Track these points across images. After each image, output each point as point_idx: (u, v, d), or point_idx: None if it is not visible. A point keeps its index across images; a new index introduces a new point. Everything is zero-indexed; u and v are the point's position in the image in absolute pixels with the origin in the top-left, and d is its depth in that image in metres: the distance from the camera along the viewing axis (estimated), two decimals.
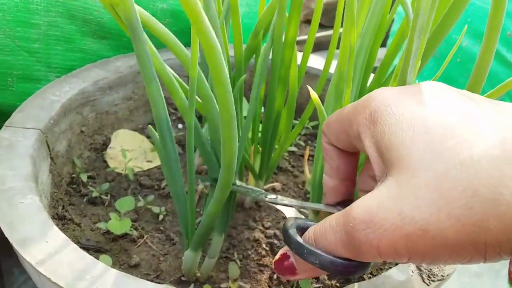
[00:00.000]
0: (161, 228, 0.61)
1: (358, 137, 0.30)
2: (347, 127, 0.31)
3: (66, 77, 0.67)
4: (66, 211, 0.60)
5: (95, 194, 0.63)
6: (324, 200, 0.38)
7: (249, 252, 0.59)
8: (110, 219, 0.59)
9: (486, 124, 0.25)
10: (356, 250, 0.27)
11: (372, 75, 0.56)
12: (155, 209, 0.63)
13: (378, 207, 0.25)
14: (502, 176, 0.22)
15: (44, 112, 0.59)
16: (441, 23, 0.45)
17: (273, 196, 0.43)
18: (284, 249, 0.34)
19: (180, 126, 0.81)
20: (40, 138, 0.56)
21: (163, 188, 0.68)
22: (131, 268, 0.55)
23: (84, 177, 0.65)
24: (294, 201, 0.41)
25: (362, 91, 0.53)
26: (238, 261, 0.57)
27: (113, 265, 0.54)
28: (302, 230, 0.33)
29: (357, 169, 0.37)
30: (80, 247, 0.54)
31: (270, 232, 0.62)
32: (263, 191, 0.46)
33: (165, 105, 0.45)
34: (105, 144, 0.73)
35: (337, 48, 0.54)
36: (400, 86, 0.30)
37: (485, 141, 0.24)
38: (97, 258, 0.52)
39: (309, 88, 0.39)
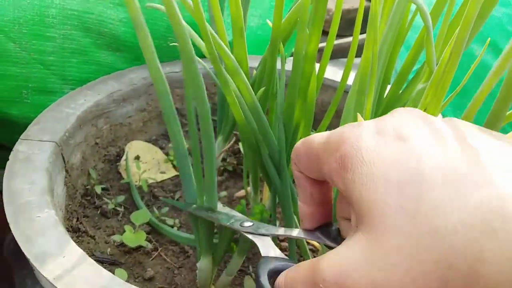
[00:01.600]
0: (176, 240, 0.61)
1: (330, 178, 0.27)
2: (317, 164, 0.29)
3: (81, 89, 0.67)
4: (81, 223, 0.60)
5: (110, 206, 0.63)
6: (302, 225, 0.35)
7: None
8: (124, 231, 0.59)
9: (467, 178, 0.22)
10: None
11: (388, 86, 0.56)
12: (169, 221, 0.63)
13: (350, 269, 0.23)
14: (480, 251, 0.20)
15: (60, 124, 0.59)
16: (461, 33, 0.45)
17: (249, 223, 0.40)
18: None
19: None
20: (56, 150, 0.56)
21: (177, 200, 0.68)
22: (146, 281, 0.55)
23: (98, 189, 0.65)
24: (271, 229, 0.38)
25: (379, 104, 0.53)
26: (253, 274, 0.57)
27: (128, 279, 0.54)
28: (275, 274, 0.31)
29: (332, 192, 0.35)
30: (95, 260, 0.55)
31: (285, 244, 0.62)
32: (240, 217, 0.44)
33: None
34: (119, 156, 0.73)
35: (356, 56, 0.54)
36: (377, 119, 0.27)
37: (463, 205, 0.21)
38: (112, 271, 0.52)
39: (358, 115, 0.37)
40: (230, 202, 0.69)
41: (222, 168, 0.73)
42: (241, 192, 0.70)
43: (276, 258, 0.34)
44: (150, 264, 0.57)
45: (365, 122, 0.27)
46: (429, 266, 0.21)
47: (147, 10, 0.70)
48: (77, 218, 0.60)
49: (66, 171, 0.59)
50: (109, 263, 0.56)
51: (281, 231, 0.37)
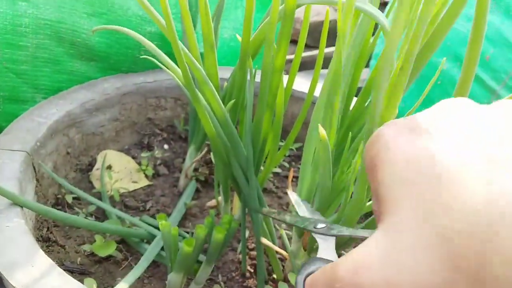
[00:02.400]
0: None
1: (368, 177, 0.28)
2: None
3: (53, 98, 0.67)
4: (51, 232, 0.60)
5: (81, 215, 0.63)
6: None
7: (233, 274, 0.59)
8: (95, 241, 0.59)
9: (479, 174, 0.22)
10: None
11: (355, 99, 0.58)
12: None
13: (365, 268, 0.24)
14: (483, 252, 0.20)
15: (31, 134, 0.59)
16: (423, 48, 0.47)
17: (322, 225, 0.39)
18: None
19: (166, 146, 0.82)
20: (27, 160, 0.56)
21: (148, 210, 0.69)
22: None
23: (69, 199, 0.66)
24: (345, 230, 0.37)
25: (345, 116, 0.54)
26: (222, 283, 0.58)
27: None
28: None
29: None
30: (65, 270, 0.55)
31: (254, 253, 0.63)
32: (312, 219, 0.42)
33: None
34: (91, 165, 0.73)
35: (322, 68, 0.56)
36: (412, 116, 0.27)
37: (470, 205, 0.21)
38: (82, 280, 0.52)
39: (320, 126, 0.39)
40: (201, 211, 0.70)
41: (194, 177, 0.74)
42: (212, 202, 0.71)
43: (322, 259, 0.34)
44: (120, 273, 0.57)
45: (399, 120, 0.27)
46: (436, 266, 0.21)
47: (122, 22, 0.71)
48: (48, 228, 0.60)
49: (37, 180, 0.59)
50: (78, 273, 0.56)
51: (354, 232, 0.36)
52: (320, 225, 0.39)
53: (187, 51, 0.47)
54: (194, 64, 0.48)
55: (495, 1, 1.14)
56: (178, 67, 0.49)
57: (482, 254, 0.20)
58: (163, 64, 0.54)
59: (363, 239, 0.33)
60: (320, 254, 0.36)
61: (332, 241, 0.37)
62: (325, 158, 0.42)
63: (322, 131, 0.38)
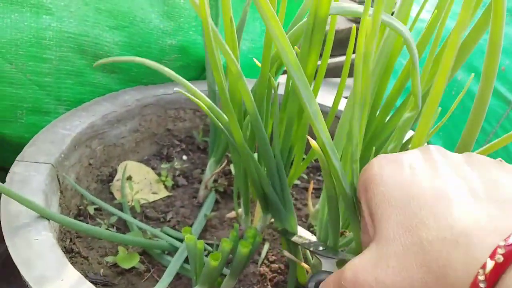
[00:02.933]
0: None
1: (359, 200, 0.35)
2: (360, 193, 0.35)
3: (76, 110, 0.68)
4: (74, 244, 0.61)
5: (103, 226, 0.64)
6: None
7: (255, 287, 0.59)
8: (117, 252, 0.60)
9: (452, 201, 0.28)
10: None
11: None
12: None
13: (362, 270, 0.30)
14: (449, 258, 0.26)
15: (55, 146, 0.60)
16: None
17: (321, 248, 0.47)
18: None
19: (184, 157, 0.82)
20: (52, 172, 0.57)
21: (169, 221, 0.69)
22: None
23: (91, 210, 0.66)
24: (339, 254, 0.45)
25: (367, 131, 0.54)
26: None
27: None
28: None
29: None
30: (89, 281, 0.55)
31: (275, 266, 0.63)
32: (315, 242, 0.50)
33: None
34: (112, 176, 0.74)
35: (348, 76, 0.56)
36: (397, 153, 0.34)
37: (440, 223, 0.27)
38: None
39: (309, 138, 0.40)
40: (221, 223, 0.70)
41: (213, 189, 0.75)
42: (232, 214, 0.72)
43: (326, 271, 0.40)
44: (143, 285, 0.58)
45: (390, 154, 0.34)
46: (414, 269, 0.27)
47: (143, 35, 0.72)
48: (71, 239, 0.61)
49: (61, 192, 0.60)
50: (102, 284, 0.57)
51: (343, 255, 0.44)
52: (320, 248, 0.47)
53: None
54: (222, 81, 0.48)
55: (511, 13, 1.14)
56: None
57: (446, 259, 0.26)
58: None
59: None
60: (324, 267, 0.44)
61: (333, 261, 0.45)
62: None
63: (313, 142, 0.39)
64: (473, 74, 0.57)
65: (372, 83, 0.49)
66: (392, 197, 0.30)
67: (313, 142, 0.39)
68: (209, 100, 0.51)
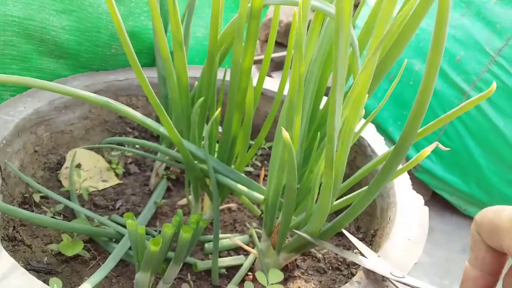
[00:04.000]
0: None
1: (507, 244, 0.32)
2: (500, 235, 0.32)
3: (20, 96, 0.66)
4: (17, 232, 0.60)
5: (49, 214, 0.63)
6: (462, 286, 0.37)
7: (203, 273, 0.59)
8: (62, 240, 0.59)
9: None
10: None
11: (325, 98, 0.58)
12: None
13: None
14: None
15: None
16: (391, 47, 0.48)
17: (399, 274, 0.43)
18: None
19: (137, 146, 0.81)
20: None
21: (118, 209, 0.68)
22: None
23: (37, 198, 0.65)
24: (425, 285, 0.41)
25: (313, 116, 0.55)
26: (191, 282, 0.58)
27: None
28: None
29: (503, 267, 0.36)
30: (30, 269, 0.54)
31: (224, 252, 0.63)
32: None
33: None
34: (60, 164, 0.72)
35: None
36: None
37: None
38: (47, 280, 0.52)
39: (283, 129, 0.40)
40: (172, 210, 0.70)
41: (165, 176, 0.74)
42: (183, 201, 0.71)
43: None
44: (88, 273, 0.57)
45: None
46: None
47: (92, 19, 0.71)
48: (14, 227, 0.60)
49: (3, 179, 0.58)
50: (45, 272, 0.56)
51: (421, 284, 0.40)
52: (397, 274, 0.43)
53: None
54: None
55: (467, 5, 1.17)
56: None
57: None
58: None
59: None
60: None
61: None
62: (290, 159, 0.43)
63: (285, 133, 0.38)
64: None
65: (315, 69, 0.49)
66: None
67: (285, 135, 0.39)
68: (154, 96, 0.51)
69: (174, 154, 0.59)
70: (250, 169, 0.81)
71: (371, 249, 0.49)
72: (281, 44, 1.84)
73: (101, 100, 0.48)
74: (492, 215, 0.33)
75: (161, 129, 0.54)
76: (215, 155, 0.63)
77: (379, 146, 0.71)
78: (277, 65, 1.71)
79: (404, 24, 0.47)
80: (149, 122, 0.53)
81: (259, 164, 0.83)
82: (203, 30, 0.88)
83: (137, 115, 0.52)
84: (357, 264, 0.62)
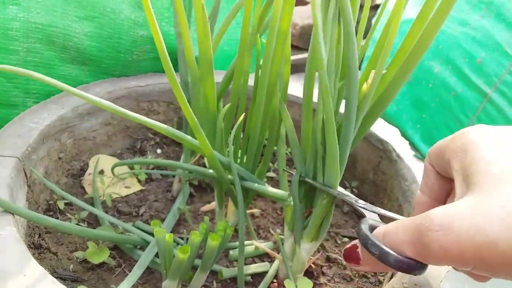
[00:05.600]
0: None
1: (448, 163, 0.35)
2: (442, 153, 0.36)
3: (44, 103, 0.66)
4: (43, 239, 0.60)
5: (73, 221, 0.63)
6: (412, 214, 0.40)
7: (228, 280, 0.59)
8: (87, 247, 0.59)
9: None
10: (423, 250, 0.30)
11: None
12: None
13: (456, 216, 0.28)
14: None
15: (22, 139, 0.58)
16: (412, 51, 0.47)
17: (362, 202, 0.46)
18: (356, 240, 0.39)
19: (159, 151, 0.81)
20: (18, 166, 0.55)
21: (141, 215, 0.68)
22: None
23: (61, 204, 0.65)
24: (380, 210, 0.44)
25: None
26: None
27: None
28: (374, 228, 0.37)
29: (449, 194, 0.40)
30: (57, 277, 0.54)
31: (249, 259, 0.62)
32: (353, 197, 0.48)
33: None
34: (83, 170, 0.72)
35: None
36: (497, 126, 0.34)
37: None
38: None
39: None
40: (196, 216, 0.70)
41: (187, 182, 0.74)
42: (207, 206, 0.71)
43: (374, 220, 0.40)
44: (114, 280, 0.57)
45: (478, 125, 0.34)
46: None
47: (114, 26, 0.71)
48: (39, 234, 0.60)
49: (28, 186, 0.58)
50: (71, 280, 0.55)
51: (388, 213, 0.43)
52: (360, 202, 0.46)
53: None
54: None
55: (486, 6, 1.15)
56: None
57: None
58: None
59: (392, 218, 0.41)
60: (367, 216, 0.42)
61: (375, 216, 0.44)
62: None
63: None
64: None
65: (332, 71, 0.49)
66: (498, 157, 0.30)
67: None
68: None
69: (198, 170, 0.59)
70: (272, 174, 0.80)
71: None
72: (296, 47, 1.83)
73: (119, 110, 0.48)
74: (440, 142, 0.37)
75: (192, 141, 0.54)
76: (238, 161, 0.62)
77: (404, 150, 0.70)
78: (294, 68, 1.71)
79: (425, 27, 0.46)
80: (178, 134, 0.53)
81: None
82: (225, 36, 0.87)
83: (161, 125, 0.51)
84: (383, 272, 0.61)
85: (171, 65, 0.45)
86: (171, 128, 0.51)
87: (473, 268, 0.28)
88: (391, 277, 0.58)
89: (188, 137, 0.53)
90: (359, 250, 0.37)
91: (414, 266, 0.32)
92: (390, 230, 0.34)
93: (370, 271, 0.49)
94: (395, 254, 0.32)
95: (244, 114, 0.56)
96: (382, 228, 0.35)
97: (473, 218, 0.28)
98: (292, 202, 0.52)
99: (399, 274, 0.49)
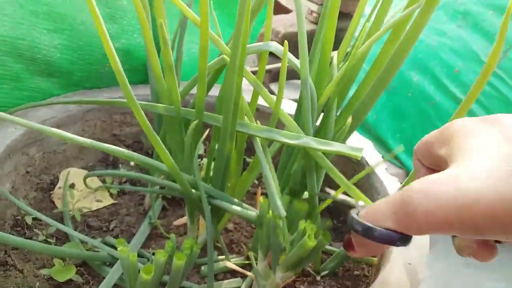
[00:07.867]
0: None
1: (437, 155, 0.35)
2: (429, 147, 0.37)
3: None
4: (9, 256, 0.58)
5: (41, 237, 0.61)
6: None
7: None
8: (54, 264, 0.57)
9: None
10: (406, 218, 0.30)
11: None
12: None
13: (437, 182, 0.29)
14: None
15: None
16: (391, 60, 0.47)
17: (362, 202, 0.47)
18: None
19: (132, 163, 0.80)
20: None
21: (112, 230, 0.67)
22: None
23: (29, 220, 0.63)
24: None
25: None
26: None
27: None
28: None
29: None
30: None
31: (221, 275, 0.62)
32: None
33: None
34: (53, 184, 0.71)
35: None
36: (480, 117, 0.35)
37: None
38: None
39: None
40: (168, 231, 0.69)
41: (160, 196, 0.73)
42: (179, 221, 0.70)
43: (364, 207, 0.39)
44: None
45: (465, 117, 0.35)
46: (502, 175, 0.28)
47: (84, 38, 0.70)
48: (5, 251, 0.58)
49: None
50: None
51: None
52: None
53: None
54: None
55: (463, 16, 1.16)
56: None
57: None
58: None
59: None
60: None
61: None
62: None
63: None
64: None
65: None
66: (474, 135, 0.32)
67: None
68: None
69: (168, 184, 0.58)
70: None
71: None
72: (276, 56, 1.83)
73: (85, 142, 0.48)
74: (426, 137, 0.38)
75: (156, 164, 0.53)
76: (211, 173, 0.62)
77: (376, 163, 0.70)
78: (275, 76, 1.71)
79: (404, 36, 0.46)
80: (142, 158, 0.52)
81: (256, 181, 0.82)
82: (198, 46, 0.87)
83: (124, 152, 0.51)
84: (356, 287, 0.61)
85: (127, 81, 0.44)
86: (133, 153, 0.51)
87: (457, 230, 0.29)
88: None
89: (156, 162, 0.53)
90: (352, 236, 0.38)
91: (398, 238, 0.32)
92: (372, 207, 0.35)
93: (367, 256, 0.48)
94: (378, 228, 0.33)
95: (207, 130, 0.56)
96: (366, 207, 0.36)
97: (454, 182, 0.29)
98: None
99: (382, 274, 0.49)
